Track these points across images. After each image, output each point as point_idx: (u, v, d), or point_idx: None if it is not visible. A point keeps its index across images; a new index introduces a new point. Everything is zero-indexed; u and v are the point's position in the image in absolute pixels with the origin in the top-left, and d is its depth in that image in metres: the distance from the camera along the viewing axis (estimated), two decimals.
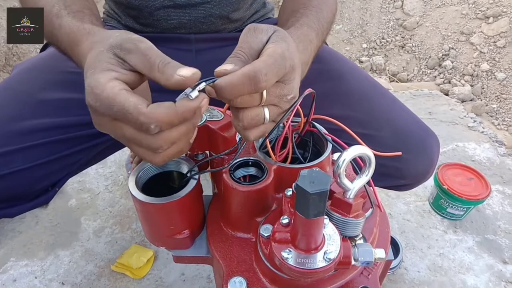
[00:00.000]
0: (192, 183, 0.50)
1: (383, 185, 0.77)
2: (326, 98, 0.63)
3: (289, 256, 0.41)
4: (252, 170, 0.53)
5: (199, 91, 0.40)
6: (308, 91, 0.49)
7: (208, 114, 0.53)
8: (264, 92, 0.43)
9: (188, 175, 0.51)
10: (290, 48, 0.45)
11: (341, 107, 0.74)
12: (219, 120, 0.53)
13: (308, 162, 0.52)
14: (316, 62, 0.63)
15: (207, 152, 0.57)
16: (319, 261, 0.40)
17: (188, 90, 0.39)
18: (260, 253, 0.47)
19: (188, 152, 0.55)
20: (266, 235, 0.47)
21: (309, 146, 0.58)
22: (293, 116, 0.50)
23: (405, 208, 1.18)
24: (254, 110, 0.44)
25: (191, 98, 0.39)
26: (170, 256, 0.99)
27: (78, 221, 1.10)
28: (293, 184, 0.45)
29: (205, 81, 0.40)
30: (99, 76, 0.38)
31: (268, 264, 0.45)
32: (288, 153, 0.53)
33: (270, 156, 0.52)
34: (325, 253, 0.41)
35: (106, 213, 1.12)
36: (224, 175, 0.50)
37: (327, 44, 0.83)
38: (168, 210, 0.49)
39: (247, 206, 0.50)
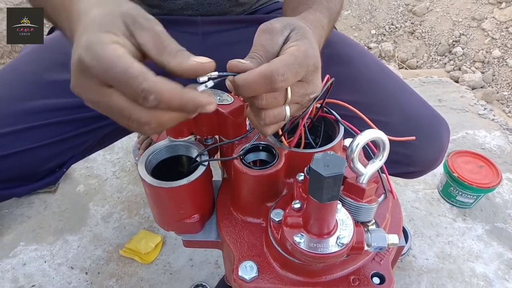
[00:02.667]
0: (202, 168, 0.49)
1: (392, 172, 0.76)
2: (335, 83, 0.62)
3: (301, 240, 0.40)
4: (262, 155, 0.52)
5: (209, 79, 0.38)
6: (327, 79, 0.48)
7: (218, 97, 0.53)
8: (289, 93, 0.42)
9: (198, 159, 0.51)
10: (313, 45, 0.44)
11: (350, 92, 0.73)
12: (229, 104, 0.52)
13: (320, 147, 0.51)
14: (325, 47, 0.61)
15: (217, 137, 0.57)
16: (331, 246, 0.40)
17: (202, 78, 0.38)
18: (271, 238, 0.46)
19: (198, 137, 0.55)
20: (277, 219, 0.46)
21: (320, 132, 0.58)
22: None
23: (414, 196, 1.17)
24: (277, 110, 0.43)
25: (206, 87, 0.38)
26: (178, 242, 0.99)
27: (86, 206, 1.11)
28: (305, 169, 0.45)
29: (219, 73, 0.39)
30: (103, 35, 0.35)
31: (279, 249, 0.45)
32: (299, 138, 0.52)
33: (281, 141, 0.51)
34: (338, 238, 0.40)
35: (114, 199, 1.12)
36: (234, 159, 0.49)
37: (335, 29, 0.82)
38: (178, 194, 0.49)
39: (257, 191, 0.49)
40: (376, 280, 0.46)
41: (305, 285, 0.45)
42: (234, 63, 0.40)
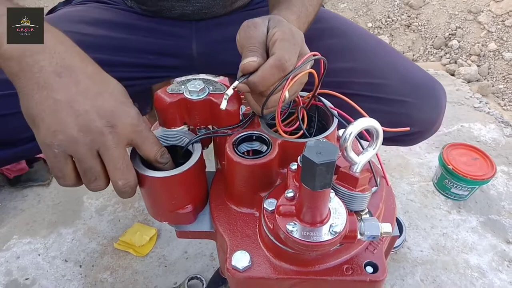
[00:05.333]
0: (196, 157, 0.49)
1: (393, 135, 0.76)
2: (330, 54, 0.63)
3: (294, 229, 0.40)
4: (256, 145, 0.52)
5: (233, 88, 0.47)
6: (311, 55, 0.48)
7: (211, 87, 0.52)
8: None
9: (190, 148, 0.50)
10: (289, 25, 0.49)
11: (346, 61, 0.74)
12: (222, 93, 0.51)
13: (313, 137, 0.51)
14: (317, 22, 0.65)
15: (210, 126, 0.56)
16: (324, 234, 0.40)
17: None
18: (264, 227, 0.46)
19: (191, 127, 0.54)
20: (270, 209, 0.46)
21: (315, 122, 0.57)
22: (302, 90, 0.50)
23: (409, 188, 1.17)
24: (278, 94, 0.47)
25: (227, 96, 0.47)
26: (173, 235, 0.99)
27: (81, 200, 1.10)
28: (299, 158, 0.44)
29: (238, 81, 0.46)
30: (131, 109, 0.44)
31: (272, 238, 0.45)
32: (294, 130, 0.51)
33: (276, 131, 0.51)
34: (330, 226, 0.40)
35: (108, 192, 1.11)
36: (227, 149, 0.48)
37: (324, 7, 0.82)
38: (170, 184, 0.48)
39: (251, 181, 0.49)
40: (369, 269, 0.45)
41: (298, 275, 0.45)
42: (248, 64, 0.46)
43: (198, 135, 0.52)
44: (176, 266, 0.93)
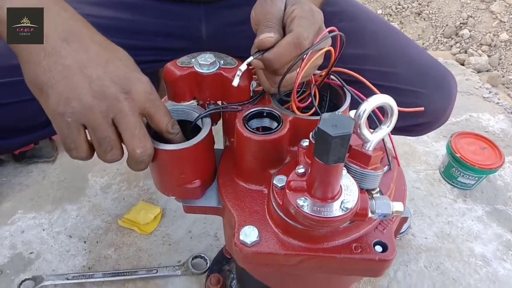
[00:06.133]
0: (205, 131, 0.48)
1: (402, 124, 0.75)
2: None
3: (304, 204, 0.39)
4: (266, 122, 0.51)
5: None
6: (327, 33, 0.46)
7: (222, 61, 0.51)
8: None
9: (199, 123, 0.50)
10: (308, 3, 0.47)
11: (356, 47, 0.73)
12: (233, 67, 0.50)
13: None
14: (327, 5, 0.63)
15: (219, 102, 0.55)
16: (335, 210, 0.39)
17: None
18: (273, 203, 0.45)
19: (200, 102, 0.53)
20: (280, 185, 0.45)
21: (326, 100, 0.56)
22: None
23: (415, 176, 1.16)
24: (293, 73, 0.46)
25: (240, 72, 0.46)
26: (178, 214, 0.99)
27: (85, 177, 1.10)
28: (311, 133, 0.43)
29: (252, 56, 0.45)
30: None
31: (281, 214, 0.44)
32: (305, 107, 0.51)
33: (287, 108, 0.50)
34: (342, 202, 0.39)
35: (113, 170, 1.11)
36: (237, 124, 0.48)
37: None
38: (180, 157, 0.48)
39: (260, 157, 0.48)
40: (378, 248, 0.45)
41: (306, 251, 0.45)
42: (265, 40, 0.44)
43: (207, 110, 0.51)
44: (180, 245, 0.93)
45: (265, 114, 0.50)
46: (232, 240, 0.49)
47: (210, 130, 0.49)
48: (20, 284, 0.83)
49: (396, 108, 0.42)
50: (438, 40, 2.09)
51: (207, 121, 0.50)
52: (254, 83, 0.53)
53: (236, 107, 0.52)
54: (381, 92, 0.72)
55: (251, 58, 0.45)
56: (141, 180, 1.08)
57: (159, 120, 0.45)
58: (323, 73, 0.53)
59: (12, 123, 0.65)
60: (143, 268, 0.87)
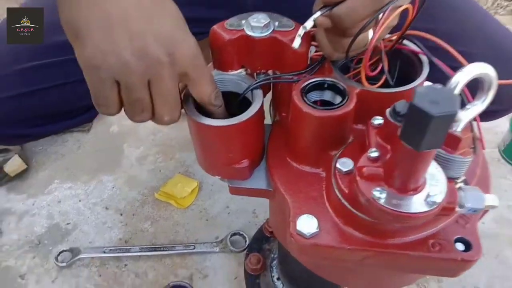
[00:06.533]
0: (257, 105, 0.42)
1: None
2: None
3: (381, 195, 0.33)
4: (327, 95, 0.44)
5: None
6: None
7: (277, 22, 0.44)
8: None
9: (249, 97, 0.43)
10: None
11: (428, 20, 0.62)
12: (290, 30, 0.43)
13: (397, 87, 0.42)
14: None
15: (270, 72, 0.48)
16: (419, 204, 0.33)
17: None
18: (336, 190, 0.39)
19: (248, 71, 0.47)
20: (344, 170, 0.39)
21: (395, 70, 0.48)
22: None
23: None
24: (365, 33, 0.39)
25: (304, 29, 0.39)
26: (215, 188, 0.95)
27: (120, 148, 1.08)
28: (388, 110, 0.36)
29: (319, 11, 0.37)
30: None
31: (346, 204, 0.38)
32: (372, 77, 0.43)
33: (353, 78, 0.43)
34: (428, 195, 0.33)
35: (149, 141, 1.08)
36: (295, 97, 0.41)
37: None
38: (229, 134, 0.42)
39: (321, 136, 0.42)
40: (460, 246, 0.38)
41: (375, 246, 0.39)
42: None
43: (258, 80, 0.45)
44: (217, 220, 0.89)
45: (326, 86, 0.43)
46: (285, 228, 0.44)
47: (262, 104, 0.43)
48: (58, 255, 0.82)
49: (496, 81, 0.34)
50: (498, 4, 1.89)
51: (258, 93, 0.44)
52: (312, 49, 0.46)
53: (291, 77, 0.45)
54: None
55: (317, 14, 0.37)
56: (177, 152, 1.04)
57: (202, 89, 0.40)
58: (394, 37, 0.45)
59: (56, 108, 0.64)
60: (180, 244, 0.84)
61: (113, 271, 0.81)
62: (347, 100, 0.40)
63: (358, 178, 0.35)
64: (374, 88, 0.41)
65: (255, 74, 0.47)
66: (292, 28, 0.43)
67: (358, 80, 0.43)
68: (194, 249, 0.83)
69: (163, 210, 0.92)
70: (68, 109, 0.66)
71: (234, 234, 0.84)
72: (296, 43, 0.39)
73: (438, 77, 0.39)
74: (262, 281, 0.77)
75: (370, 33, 0.39)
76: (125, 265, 0.82)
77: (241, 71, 0.46)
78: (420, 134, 0.27)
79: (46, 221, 0.91)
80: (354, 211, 0.38)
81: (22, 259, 0.84)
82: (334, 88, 0.43)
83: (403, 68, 0.47)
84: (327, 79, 0.43)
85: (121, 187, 0.98)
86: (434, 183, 0.34)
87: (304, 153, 0.45)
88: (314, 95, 0.44)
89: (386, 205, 0.33)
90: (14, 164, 0.96)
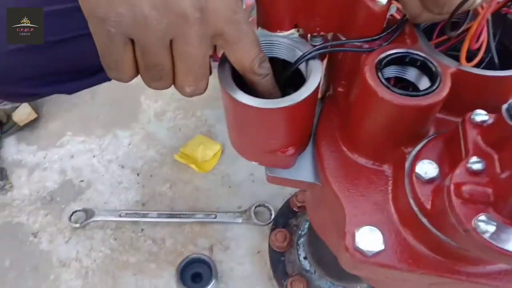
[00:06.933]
0: (314, 83, 0.32)
1: None
2: None
3: (487, 227, 0.24)
4: (411, 74, 0.33)
5: None
6: None
7: None
8: None
9: (303, 69, 0.34)
10: None
11: None
12: None
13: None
14: None
15: (329, 35, 0.38)
16: None
17: None
18: (411, 201, 0.31)
19: (301, 31, 0.36)
20: (426, 177, 0.30)
21: (494, 42, 0.37)
22: None
23: None
24: None
25: None
26: None
27: (138, 100, 0.99)
28: (504, 107, 0.26)
29: None
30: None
31: (424, 220, 0.30)
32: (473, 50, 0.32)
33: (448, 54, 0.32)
34: None
35: (168, 95, 0.99)
36: (367, 75, 0.31)
37: None
38: (274, 118, 0.33)
39: (395, 128, 0.33)
40: None
41: (454, 274, 0.31)
42: None
43: (317, 47, 0.34)
44: (241, 189, 0.83)
45: (408, 60, 0.33)
46: (332, 228, 0.37)
47: (320, 81, 0.33)
48: (71, 215, 0.77)
49: None
50: None
51: (316, 65, 0.34)
52: (393, 7, 0.35)
53: (360, 44, 0.34)
54: None
55: None
56: (198, 110, 0.95)
57: (242, 52, 0.31)
58: None
59: (72, 63, 0.59)
60: (201, 212, 0.78)
61: (129, 236, 0.77)
62: (439, 84, 0.30)
63: (455, 198, 0.26)
64: (477, 70, 0.31)
65: (309, 36, 0.37)
66: None
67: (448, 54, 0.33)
68: (215, 218, 0.77)
69: (183, 172, 0.85)
70: (83, 67, 0.60)
71: (259, 205, 0.78)
72: None
73: None
74: (288, 259, 0.72)
75: None
76: (142, 229, 0.78)
77: (293, 32, 0.36)
78: None
79: (59, 177, 0.85)
80: (436, 232, 0.29)
81: (34, 216, 0.80)
82: (419, 64, 0.32)
83: (508, 38, 0.36)
84: (413, 52, 0.32)
85: (138, 145, 0.90)
86: None
87: (367, 145, 0.36)
88: (391, 71, 0.34)
89: (494, 242, 0.24)
90: (23, 113, 0.89)
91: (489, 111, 0.31)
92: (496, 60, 0.32)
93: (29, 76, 0.57)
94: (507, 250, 0.24)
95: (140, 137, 0.92)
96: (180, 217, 0.77)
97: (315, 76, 0.33)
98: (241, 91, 0.32)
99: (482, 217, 0.25)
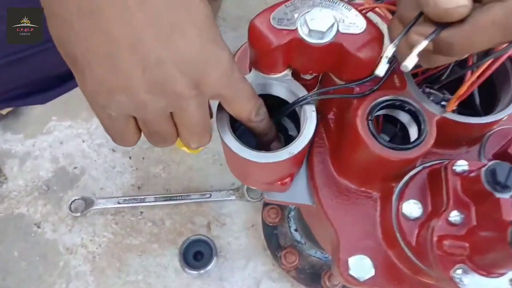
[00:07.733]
0: (309, 132, 0.34)
1: None
2: None
3: (464, 278, 0.29)
4: (401, 115, 0.36)
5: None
6: None
7: (340, 16, 0.33)
8: None
9: (299, 111, 0.35)
10: None
11: None
12: (360, 33, 0.32)
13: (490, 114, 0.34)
14: None
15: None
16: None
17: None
18: (398, 236, 0.35)
19: (292, 70, 0.37)
20: (411, 216, 0.34)
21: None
22: None
23: None
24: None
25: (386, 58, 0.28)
26: None
27: None
28: (483, 172, 0.29)
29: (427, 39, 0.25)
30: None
31: (410, 254, 0.34)
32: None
33: (434, 101, 0.34)
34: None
35: None
36: (359, 125, 0.33)
37: None
38: (274, 168, 0.35)
39: (383, 172, 0.36)
40: None
41: None
42: (453, 10, 0.24)
43: (311, 93, 0.36)
44: None
45: (397, 104, 0.35)
46: (327, 243, 0.41)
47: (316, 128, 0.35)
48: (71, 204, 0.80)
49: None
50: None
51: (310, 111, 0.35)
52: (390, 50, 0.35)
53: (351, 88, 0.36)
54: None
55: (424, 44, 0.26)
56: None
57: (239, 107, 0.33)
58: None
59: (39, 76, 0.59)
60: (196, 192, 0.82)
61: (130, 219, 0.81)
62: (425, 136, 0.33)
63: (436, 251, 0.30)
64: (461, 117, 0.33)
65: (301, 75, 0.38)
66: (363, 30, 0.32)
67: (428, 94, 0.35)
68: (210, 197, 0.81)
69: (174, 153, 0.87)
70: (52, 77, 0.60)
71: None
72: (381, 71, 0.29)
73: None
74: (280, 231, 0.78)
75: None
76: (141, 212, 0.81)
77: (287, 73, 0.37)
78: None
79: (51, 165, 0.86)
80: (420, 264, 0.34)
81: (34, 206, 0.82)
82: (406, 110, 0.35)
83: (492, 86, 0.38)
84: (401, 98, 0.34)
85: None
86: None
87: (355, 175, 0.39)
88: (383, 111, 0.36)
89: None
90: None
91: (473, 143, 0.34)
92: (479, 109, 0.34)
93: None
94: None
95: None
96: (176, 199, 0.81)
97: (311, 123, 0.35)
98: (241, 144, 0.34)
99: (459, 270, 0.29)
